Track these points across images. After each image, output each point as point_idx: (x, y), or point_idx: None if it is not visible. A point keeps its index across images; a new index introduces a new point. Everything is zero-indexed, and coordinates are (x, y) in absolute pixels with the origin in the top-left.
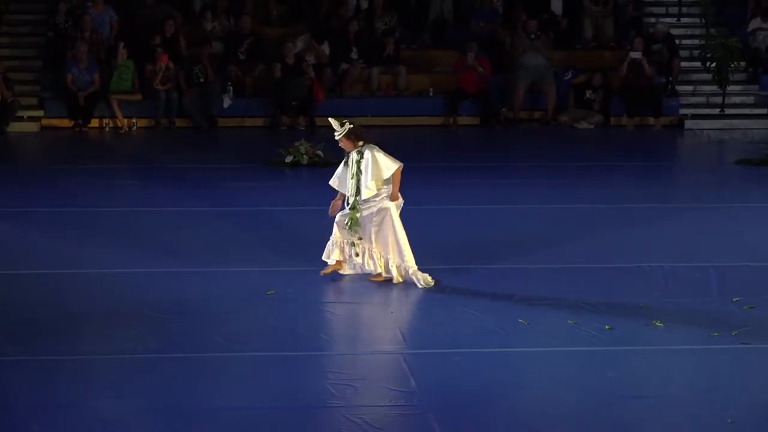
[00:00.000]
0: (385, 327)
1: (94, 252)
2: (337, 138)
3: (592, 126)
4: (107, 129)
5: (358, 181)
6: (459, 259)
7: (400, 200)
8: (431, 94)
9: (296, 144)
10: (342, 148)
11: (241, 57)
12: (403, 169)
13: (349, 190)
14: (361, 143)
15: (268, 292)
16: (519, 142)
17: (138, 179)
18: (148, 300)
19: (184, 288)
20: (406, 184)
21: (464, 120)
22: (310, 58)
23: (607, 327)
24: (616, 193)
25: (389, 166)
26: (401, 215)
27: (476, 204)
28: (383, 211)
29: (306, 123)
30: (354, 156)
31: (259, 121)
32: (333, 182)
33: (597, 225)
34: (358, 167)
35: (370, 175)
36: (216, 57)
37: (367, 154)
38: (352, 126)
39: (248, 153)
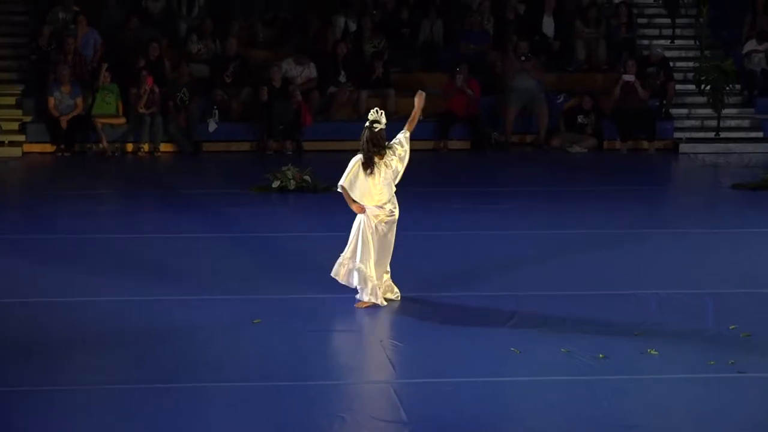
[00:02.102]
0: (373, 355)
1: (76, 279)
2: (381, 128)
3: (585, 150)
4: (90, 154)
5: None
6: (449, 286)
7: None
8: (421, 117)
9: (283, 169)
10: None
11: (227, 80)
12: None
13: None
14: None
15: (254, 321)
16: (510, 167)
17: (121, 205)
18: (132, 328)
19: (169, 316)
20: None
21: (455, 144)
22: (300, 75)
23: (601, 355)
24: (610, 219)
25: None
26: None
27: (467, 229)
28: (394, 221)
29: (293, 147)
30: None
31: (245, 146)
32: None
33: (590, 251)
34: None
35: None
36: (201, 80)
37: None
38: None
39: (234, 178)
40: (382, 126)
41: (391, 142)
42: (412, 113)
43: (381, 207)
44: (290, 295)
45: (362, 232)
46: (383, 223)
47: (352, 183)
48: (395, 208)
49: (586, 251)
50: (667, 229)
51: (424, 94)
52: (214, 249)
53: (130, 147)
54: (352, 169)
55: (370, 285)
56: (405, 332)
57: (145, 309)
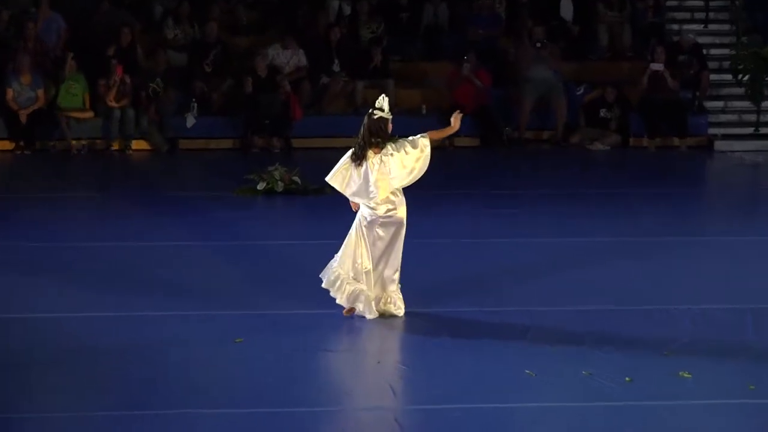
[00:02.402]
0: (372, 379)
1: (41, 292)
2: (387, 116)
3: (608, 148)
4: (54, 152)
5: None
6: (454, 300)
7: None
8: (424, 111)
9: (270, 169)
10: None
11: (207, 69)
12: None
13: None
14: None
15: (236, 340)
16: (524, 167)
17: (89, 210)
18: (104, 347)
19: (144, 333)
20: None
21: (462, 141)
22: (288, 64)
23: (627, 378)
24: (636, 224)
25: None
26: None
27: (474, 237)
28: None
29: (281, 145)
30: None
31: (227, 143)
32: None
33: (614, 261)
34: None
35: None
36: (178, 70)
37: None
38: None
39: (215, 179)
40: (384, 114)
41: (402, 139)
42: (444, 129)
43: (374, 207)
44: (278, 311)
45: (352, 230)
46: (378, 226)
47: (343, 178)
48: (396, 209)
49: (609, 261)
50: (701, 237)
51: (461, 116)
52: (193, 259)
53: (98, 144)
54: (343, 162)
55: (345, 287)
56: (406, 352)
57: (118, 325)
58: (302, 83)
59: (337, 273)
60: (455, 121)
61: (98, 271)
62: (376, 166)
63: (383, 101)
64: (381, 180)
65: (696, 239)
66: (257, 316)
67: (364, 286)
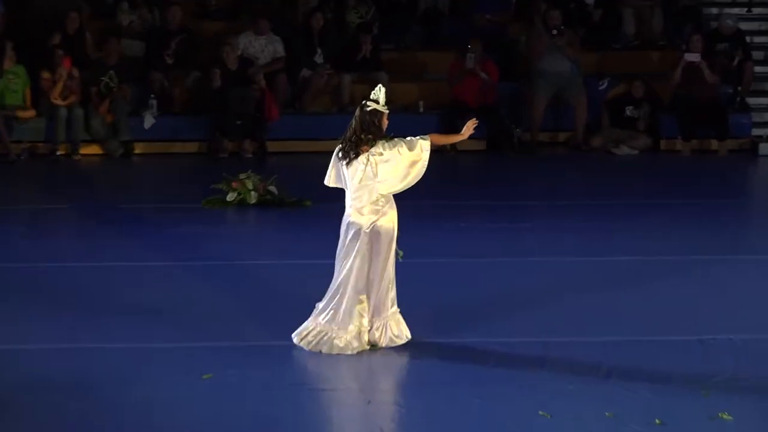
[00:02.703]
0: (361, 422)
1: None
2: (382, 110)
3: (636, 151)
4: None
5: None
6: (458, 329)
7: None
8: (421, 109)
9: (242, 177)
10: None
11: (168, 61)
12: None
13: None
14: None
15: (203, 376)
16: (538, 174)
17: (31, 224)
18: (45, 381)
19: (91, 367)
20: None
21: (465, 143)
22: (262, 54)
23: (657, 421)
24: (668, 241)
25: None
26: None
27: (481, 255)
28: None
29: (254, 149)
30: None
31: (192, 147)
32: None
33: (643, 283)
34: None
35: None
36: (134, 61)
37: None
38: None
39: (178, 189)
40: (379, 107)
41: (398, 138)
42: (451, 136)
43: (356, 218)
44: (251, 341)
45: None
46: (365, 233)
47: (339, 177)
48: (383, 218)
49: (636, 284)
50: (743, 255)
51: (476, 124)
52: (154, 281)
53: (41, 148)
54: (333, 160)
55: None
56: (401, 389)
57: (62, 357)
58: (279, 77)
59: (315, 330)
60: (467, 129)
61: (46, 296)
62: (362, 167)
63: (379, 92)
64: (365, 185)
65: (738, 258)
66: (228, 348)
67: (329, 327)
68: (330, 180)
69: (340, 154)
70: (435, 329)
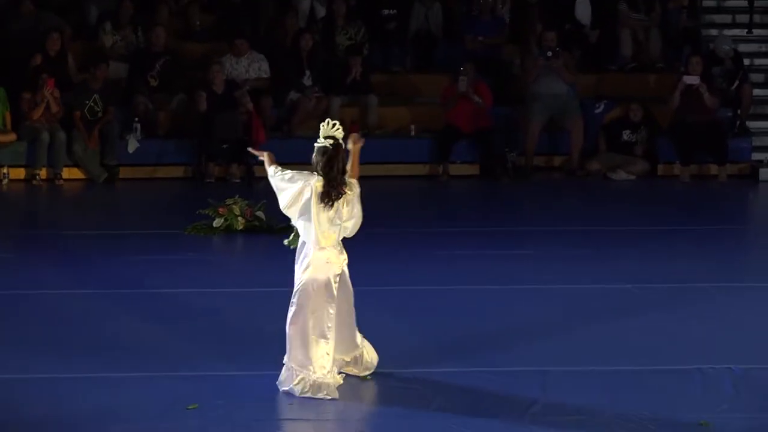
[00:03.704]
0: None
1: None
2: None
3: (633, 176)
4: None
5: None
6: (450, 359)
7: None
8: (413, 133)
9: (228, 202)
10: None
11: (152, 83)
12: (364, 243)
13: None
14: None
15: (189, 407)
16: (532, 199)
17: (10, 252)
18: (23, 416)
19: (73, 399)
20: (379, 254)
21: (458, 168)
22: (249, 72)
23: None
24: (667, 268)
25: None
26: None
27: (474, 283)
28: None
29: (241, 173)
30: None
31: (177, 171)
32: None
33: (641, 311)
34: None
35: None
36: (117, 84)
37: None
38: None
39: (162, 215)
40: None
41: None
42: (351, 159)
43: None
44: (238, 372)
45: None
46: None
47: (303, 209)
48: (343, 260)
49: (635, 312)
50: (743, 283)
51: (362, 140)
52: (137, 310)
53: (21, 173)
54: (305, 198)
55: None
56: (392, 422)
57: (41, 390)
58: (266, 100)
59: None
60: (353, 143)
61: (15, 326)
62: (334, 206)
63: (327, 126)
64: (336, 225)
65: (737, 286)
66: (213, 379)
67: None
68: (292, 210)
69: (321, 193)
70: (430, 358)
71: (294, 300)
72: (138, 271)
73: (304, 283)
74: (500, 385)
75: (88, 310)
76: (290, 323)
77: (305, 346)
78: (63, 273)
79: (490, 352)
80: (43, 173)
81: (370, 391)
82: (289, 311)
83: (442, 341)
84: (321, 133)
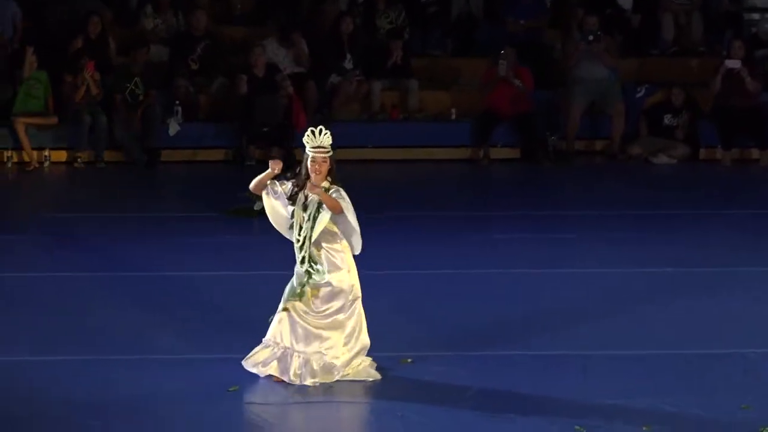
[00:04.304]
0: None
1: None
2: (321, 155)
3: (674, 161)
4: (10, 165)
5: (313, 226)
6: (489, 343)
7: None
8: (453, 117)
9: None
10: (306, 173)
11: (193, 67)
12: (406, 226)
13: (300, 237)
14: (331, 183)
15: (230, 389)
16: (573, 183)
17: (50, 234)
18: (63, 398)
19: (115, 383)
20: (419, 238)
21: (499, 152)
22: (285, 59)
23: None
24: (708, 253)
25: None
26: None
27: (514, 267)
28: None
29: (282, 156)
30: (314, 196)
31: (218, 154)
32: (278, 221)
33: (682, 295)
34: (317, 212)
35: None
36: (159, 67)
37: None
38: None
39: (203, 197)
40: (324, 149)
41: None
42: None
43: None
44: None
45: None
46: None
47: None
48: None
49: (676, 296)
50: None
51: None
52: (175, 293)
53: (63, 156)
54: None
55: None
56: (433, 403)
57: (80, 372)
58: (307, 83)
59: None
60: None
61: (54, 307)
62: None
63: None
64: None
65: None
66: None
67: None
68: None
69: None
70: (468, 342)
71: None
72: (178, 254)
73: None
74: (540, 369)
75: (127, 293)
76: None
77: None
78: (103, 256)
79: (529, 336)
80: (84, 156)
81: (410, 374)
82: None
83: (481, 325)
84: (309, 144)
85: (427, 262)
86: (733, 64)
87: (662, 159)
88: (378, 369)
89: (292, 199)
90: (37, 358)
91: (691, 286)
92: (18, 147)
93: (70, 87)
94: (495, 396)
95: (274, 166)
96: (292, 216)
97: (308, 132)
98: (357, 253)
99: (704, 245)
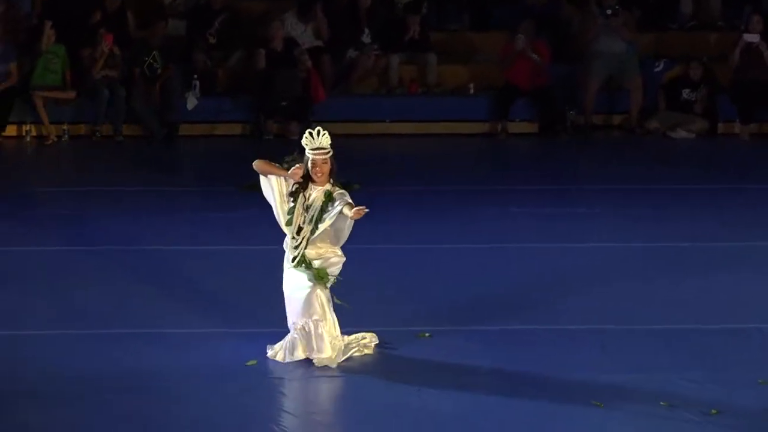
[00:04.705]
0: (406, 408)
1: (9, 306)
2: (321, 156)
3: (693, 135)
4: (28, 138)
5: (314, 230)
6: (505, 318)
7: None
8: (472, 91)
9: (287, 159)
10: (308, 173)
11: (211, 41)
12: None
13: (296, 236)
14: (333, 184)
15: (248, 363)
16: (591, 157)
17: (69, 208)
18: (79, 373)
19: (132, 357)
20: (434, 216)
21: (517, 126)
22: (304, 33)
23: (713, 411)
24: (726, 227)
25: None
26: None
27: (532, 240)
28: None
29: (300, 130)
30: (317, 195)
31: (235, 128)
32: (281, 216)
33: (700, 270)
34: (320, 213)
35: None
36: (177, 41)
37: (338, 206)
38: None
39: (220, 172)
40: (324, 150)
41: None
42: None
43: None
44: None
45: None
46: None
47: None
48: None
49: (693, 270)
50: None
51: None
52: (193, 267)
53: (81, 129)
54: None
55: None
56: (450, 378)
57: (98, 347)
58: (325, 58)
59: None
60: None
61: (70, 281)
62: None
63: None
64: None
65: None
66: (271, 335)
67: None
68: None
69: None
70: (486, 316)
71: None
72: (195, 227)
73: None
74: (558, 343)
75: (145, 266)
76: None
77: None
78: (121, 229)
79: (546, 310)
80: (102, 130)
81: (426, 348)
82: None
83: (498, 299)
84: (308, 146)
85: (444, 236)
86: (752, 38)
87: (680, 133)
88: (394, 343)
89: (293, 195)
90: (53, 331)
91: (709, 261)
92: (37, 121)
93: (89, 60)
94: (511, 371)
95: (296, 173)
96: (289, 212)
97: (306, 134)
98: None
99: (722, 220)
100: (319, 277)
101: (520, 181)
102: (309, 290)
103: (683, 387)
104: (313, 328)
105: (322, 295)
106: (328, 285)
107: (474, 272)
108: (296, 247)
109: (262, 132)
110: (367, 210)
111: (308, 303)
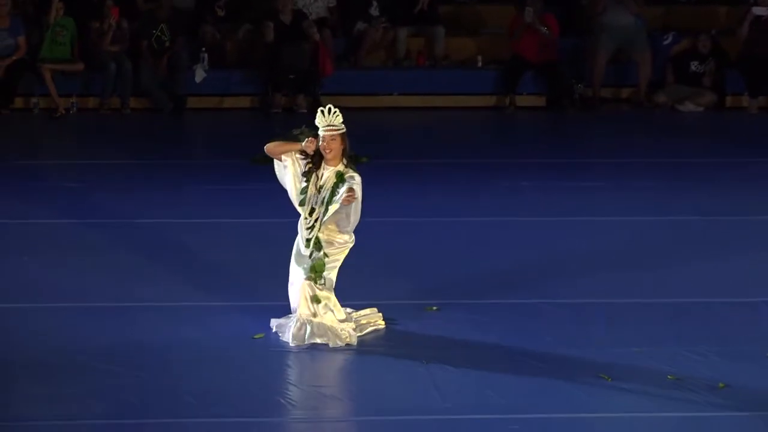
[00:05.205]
0: (413, 381)
1: (9, 278)
2: (330, 133)
3: (701, 108)
4: (36, 111)
5: (326, 212)
6: (515, 290)
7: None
8: (480, 64)
9: (295, 132)
10: (320, 152)
11: (220, 14)
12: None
13: (309, 216)
14: (346, 165)
15: (254, 336)
16: (599, 131)
17: (77, 181)
18: (89, 345)
19: (139, 330)
20: (442, 189)
21: (525, 100)
22: (312, 4)
23: (721, 384)
24: (733, 202)
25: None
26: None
27: (540, 214)
28: None
29: (308, 104)
30: (329, 175)
31: (243, 101)
32: (294, 197)
33: (709, 244)
34: (331, 195)
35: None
36: (184, 14)
37: (343, 190)
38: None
39: (228, 145)
40: (335, 126)
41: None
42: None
43: None
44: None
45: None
46: None
47: None
48: None
49: (702, 244)
50: None
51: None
52: (200, 240)
53: (89, 102)
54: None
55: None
56: (454, 354)
57: (106, 319)
58: (333, 30)
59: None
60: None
61: (79, 253)
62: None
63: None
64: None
65: None
66: (278, 309)
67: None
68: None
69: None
70: (493, 290)
71: None
72: (204, 200)
73: None
74: (565, 317)
75: (154, 239)
76: None
77: None
78: (128, 202)
79: (554, 284)
80: (110, 103)
81: (434, 321)
82: None
83: (505, 273)
84: (320, 124)
85: (452, 210)
86: (761, 11)
87: (688, 107)
88: (401, 316)
89: (306, 175)
90: (61, 304)
91: (717, 234)
92: (45, 93)
93: (97, 33)
94: (518, 344)
95: (309, 146)
96: (302, 192)
97: (318, 111)
98: (347, 229)
99: (730, 193)
100: (313, 270)
101: (528, 154)
102: (305, 286)
103: (691, 360)
104: (315, 323)
105: (318, 289)
106: (319, 282)
107: (481, 245)
108: (309, 229)
109: (270, 105)
110: (357, 197)
111: (304, 299)
